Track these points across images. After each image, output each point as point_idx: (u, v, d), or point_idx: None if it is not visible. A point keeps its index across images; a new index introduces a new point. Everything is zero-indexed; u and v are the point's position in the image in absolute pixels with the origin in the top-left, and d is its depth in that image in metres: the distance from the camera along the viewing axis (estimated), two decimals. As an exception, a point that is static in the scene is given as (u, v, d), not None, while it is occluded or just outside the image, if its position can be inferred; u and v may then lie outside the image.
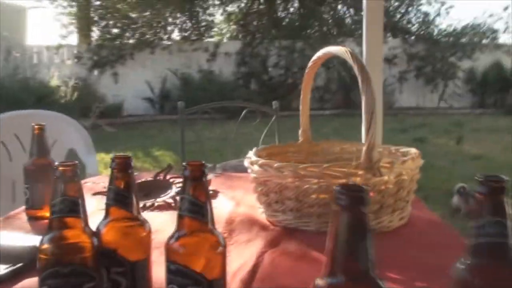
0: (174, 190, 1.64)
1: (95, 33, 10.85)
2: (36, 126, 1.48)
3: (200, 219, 0.74)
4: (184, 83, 10.05)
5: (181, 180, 1.75)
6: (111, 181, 0.82)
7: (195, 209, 0.74)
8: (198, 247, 0.74)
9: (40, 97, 7.40)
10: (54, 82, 8.32)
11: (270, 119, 2.91)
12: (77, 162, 0.78)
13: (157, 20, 10.55)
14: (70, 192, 0.75)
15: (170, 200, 1.57)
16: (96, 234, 0.79)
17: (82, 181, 1.89)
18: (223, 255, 0.76)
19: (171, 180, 1.73)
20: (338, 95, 10.54)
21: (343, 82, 10.29)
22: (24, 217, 1.46)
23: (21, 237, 1.18)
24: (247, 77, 10.75)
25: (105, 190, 1.68)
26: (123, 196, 0.82)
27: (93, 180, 1.96)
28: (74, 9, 10.64)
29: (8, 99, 6.70)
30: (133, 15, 10.51)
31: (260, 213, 1.43)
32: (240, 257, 1.10)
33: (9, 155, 2.87)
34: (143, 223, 0.84)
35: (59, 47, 9.60)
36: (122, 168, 0.82)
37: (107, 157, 6.50)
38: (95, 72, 9.94)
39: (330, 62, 9.77)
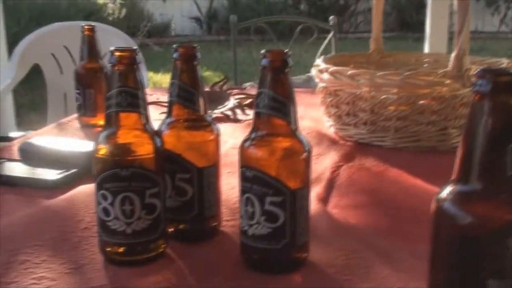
0: (232, 101, 1.53)
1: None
2: (86, 27, 1.37)
3: (283, 118, 0.62)
4: (232, 3, 9.76)
5: (238, 92, 1.65)
6: (174, 75, 0.71)
7: (277, 106, 0.62)
8: (281, 150, 0.63)
9: (88, 14, 7.28)
10: (101, -1, 8.18)
11: (323, 39, 2.74)
12: (136, 48, 0.66)
13: None
14: (129, 83, 0.63)
15: (229, 112, 1.46)
16: (159, 134, 0.68)
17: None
18: (308, 162, 0.64)
19: (228, 91, 1.62)
20: (391, 18, 10.06)
21: (398, 4, 9.78)
22: (76, 124, 1.38)
23: (75, 142, 1.09)
24: (297, -3, 10.34)
25: (159, 100, 1.59)
26: (190, 92, 0.70)
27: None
28: None
29: (57, 16, 6.61)
30: None
31: (328, 127, 1.30)
32: (313, 171, 0.98)
33: (60, 68, 2.81)
34: (211, 124, 0.73)
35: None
36: (188, 58, 0.70)
37: (155, 76, 6.44)
38: (142, -10, 9.72)
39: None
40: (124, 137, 0.64)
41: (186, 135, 0.71)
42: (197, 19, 9.86)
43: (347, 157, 1.08)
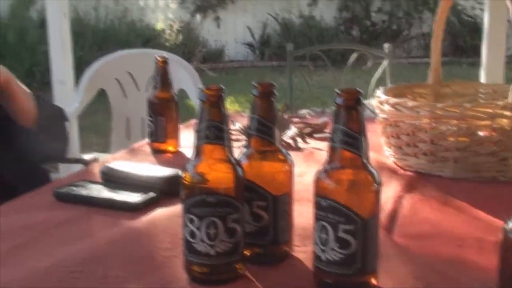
0: (293, 130, 1.59)
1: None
2: (159, 59, 1.46)
3: (356, 152, 0.68)
4: (285, 29, 9.90)
5: (299, 121, 1.71)
6: (253, 110, 0.77)
7: (351, 141, 0.67)
8: (354, 182, 0.68)
9: (147, 39, 7.57)
10: (159, 25, 8.47)
11: (376, 65, 2.78)
12: (222, 87, 0.73)
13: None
14: (216, 118, 0.70)
15: (290, 141, 1.52)
16: (240, 165, 0.74)
17: (194, 121, 1.90)
18: (378, 193, 0.69)
19: (288, 119, 1.68)
20: (445, 42, 9.96)
21: (451, 28, 9.68)
22: (147, 149, 1.47)
23: (152, 168, 1.17)
24: (348, 23, 10.38)
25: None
26: (267, 126, 0.76)
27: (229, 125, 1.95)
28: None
29: (117, 41, 6.90)
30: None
31: (387, 156, 1.34)
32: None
33: (124, 92, 2.95)
34: (285, 156, 0.79)
35: (164, -10, 9.73)
36: (266, 95, 0.77)
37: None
38: (198, 17, 10.00)
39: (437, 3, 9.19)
40: (211, 167, 0.71)
41: (264, 165, 0.77)
42: (250, 45, 10.05)
43: (408, 187, 1.11)
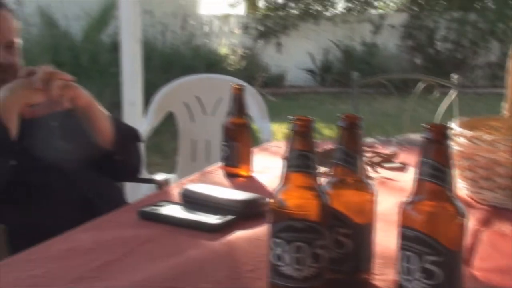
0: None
1: (262, 3, 11.08)
2: (235, 86, 1.52)
3: (443, 186, 0.69)
4: (346, 56, 9.91)
5: (369, 150, 1.71)
6: (339, 141, 0.80)
7: (438, 174, 0.69)
8: (441, 215, 0.69)
9: (210, 64, 7.75)
10: (223, 50, 8.67)
11: (442, 95, 2.75)
12: (312, 118, 0.76)
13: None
14: (305, 147, 0.74)
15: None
16: (326, 193, 0.77)
17: (265, 145, 1.94)
18: (464, 226, 0.70)
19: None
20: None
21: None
22: (220, 173, 1.52)
23: (229, 191, 1.22)
24: (412, 51, 10.29)
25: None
26: (352, 157, 0.79)
27: (276, 144, 1.99)
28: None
29: (182, 65, 7.11)
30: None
31: (461, 189, 1.33)
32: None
33: (191, 116, 3.04)
34: (369, 186, 0.81)
35: (228, 16, 9.97)
36: (352, 127, 0.80)
37: (272, 126, 6.64)
38: (260, 42, 10.18)
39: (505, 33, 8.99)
40: (299, 194, 0.74)
41: (348, 194, 0.80)
42: (311, 71, 10.12)
43: (486, 222, 1.11)
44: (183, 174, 2.87)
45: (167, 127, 3.05)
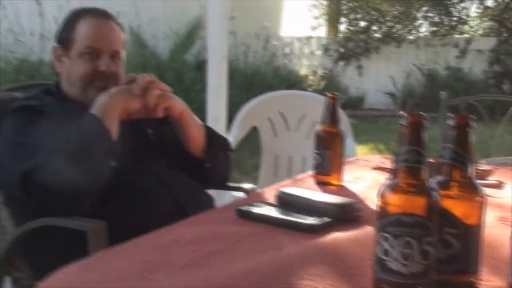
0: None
1: (343, 26, 11.11)
2: (329, 95, 1.53)
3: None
4: (429, 80, 9.69)
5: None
6: (448, 140, 0.79)
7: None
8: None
9: (290, 84, 7.81)
10: (303, 71, 8.72)
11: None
12: (424, 114, 0.76)
13: (406, 14, 10.34)
14: (417, 142, 0.74)
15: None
16: (435, 190, 0.76)
17: (354, 158, 1.93)
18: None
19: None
20: None
21: None
22: (310, 181, 1.53)
23: (324, 195, 1.22)
24: (499, 77, 9.93)
25: (383, 166, 1.69)
26: (462, 155, 0.78)
27: (365, 158, 1.98)
28: (325, 1, 11.04)
29: (263, 85, 7.21)
30: (383, 9, 10.46)
31: None
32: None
33: (274, 131, 3.07)
34: (478, 187, 0.80)
35: (309, 38, 10.05)
36: (463, 126, 0.79)
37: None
38: (341, 64, 10.17)
39: None
40: (409, 189, 0.74)
41: (458, 194, 0.78)
42: (391, 94, 9.98)
43: None
44: (264, 188, 2.90)
45: (247, 144, 3.09)
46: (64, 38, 1.65)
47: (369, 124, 8.62)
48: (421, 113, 0.75)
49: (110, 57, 1.62)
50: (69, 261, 0.87)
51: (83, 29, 1.62)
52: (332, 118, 1.51)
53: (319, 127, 1.53)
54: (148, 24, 6.35)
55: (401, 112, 0.75)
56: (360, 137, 7.02)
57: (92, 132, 1.42)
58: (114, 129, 1.47)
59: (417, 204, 0.73)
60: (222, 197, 2.39)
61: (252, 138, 3.07)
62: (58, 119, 1.53)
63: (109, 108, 1.47)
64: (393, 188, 0.75)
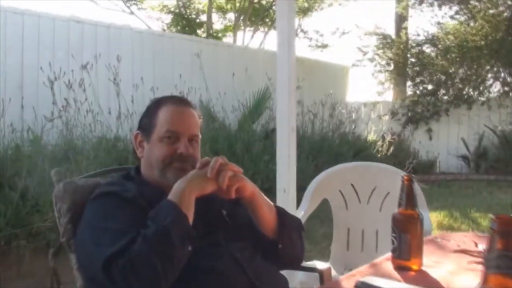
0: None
1: (410, 89, 11.03)
2: (405, 177, 1.51)
3: None
4: (503, 141, 9.36)
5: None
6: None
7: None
8: None
9: (358, 150, 7.77)
10: (371, 137, 8.66)
11: None
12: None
13: (476, 75, 10.16)
14: (509, 247, 0.71)
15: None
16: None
17: (431, 237, 1.86)
18: None
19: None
20: None
21: None
22: (389, 265, 1.49)
23: (400, 285, 1.19)
24: None
25: (465, 249, 1.62)
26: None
27: (442, 236, 1.92)
28: (391, 67, 11.04)
29: (330, 152, 7.21)
30: (450, 71, 10.34)
31: None
32: None
33: (346, 203, 3.03)
34: None
35: (376, 103, 10.03)
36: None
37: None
38: (409, 128, 10.04)
39: None
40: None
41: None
42: (464, 157, 9.68)
43: None
44: (337, 262, 2.84)
45: (316, 212, 3.06)
46: (146, 124, 1.73)
47: (442, 189, 8.36)
48: (510, 216, 0.73)
49: (188, 141, 1.69)
50: None
51: (163, 115, 1.70)
52: (408, 200, 1.48)
53: (395, 210, 1.50)
54: (217, 98, 6.56)
55: (491, 216, 0.73)
56: (433, 204, 6.80)
57: (169, 218, 1.46)
58: (190, 214, 1.50)
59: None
60: (294, 276, 2.36)
61: (321, 206, 3.04)
62: (138, 204, 1.58)
63: (186, 193, 1.51)
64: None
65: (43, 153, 4.20)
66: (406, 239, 1.45)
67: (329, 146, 7.39)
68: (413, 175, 1.52)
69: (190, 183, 1.53)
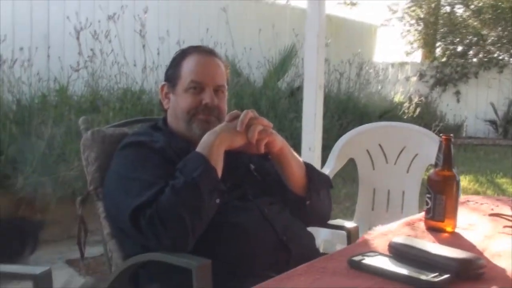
0: None
1: (439, 50, 10.77)
2: (444, 137, 1.45)
3: None
4: (534, 107, 9.15)
5: None
6: None
7: None
8: None
9: (384, 111, 7.64)
10: (397, 98, 8.51)
11: None
12: None
13: (509, 37, 9.86)
14: None
15: None
16: None
17: (463, 200, 1.81)
18: None
19: None
20: None
21: None
22: (421, 225, 1.45)
23: (442, 248, 1.15)
24: None
25: (500, 213, 1.57)
26: None
27: (474, 199, 1.86)
28: (421, 27, 10.78)
29: (356, 112, 7.11)
30: (482, 33, 10.05)
31: None
32: None
33: (373, 163, 2.98)
34: None
35: (404, 64, 9.82)
36: None
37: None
38: (437, 90, 9.84)
39: None
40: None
41: None
42: (492, 122, 9.50)
43: None
44: (361, 222, 2.81)
45: (340, 172, 3.02)
46: (171, 75, 1.70)
47: (468, 153, 8.24)
48: None
49: (214, 91, 1.65)
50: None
51: (188, 66, 1.66)
52: (446, 160, 1.43)
53: (432, 170, 1.46)
54: (243, 53, 6.47)
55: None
56: (459, 168, 6.70)
57: (198, 170, 1.44)
58: (219, 167, 1.48)
59: None
60: (318, 233, 2.34)
61: (344, 166, 3.00)
62: (166, 155, 1.56)
63: (215, 146, 1.48)
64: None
65: (69, 103, 4.20)
66: (441, 200, 1.41)
67: (354, 106, 7.27)
68: (451, 135, 1.46)
69: (219, 136, 1.50)
